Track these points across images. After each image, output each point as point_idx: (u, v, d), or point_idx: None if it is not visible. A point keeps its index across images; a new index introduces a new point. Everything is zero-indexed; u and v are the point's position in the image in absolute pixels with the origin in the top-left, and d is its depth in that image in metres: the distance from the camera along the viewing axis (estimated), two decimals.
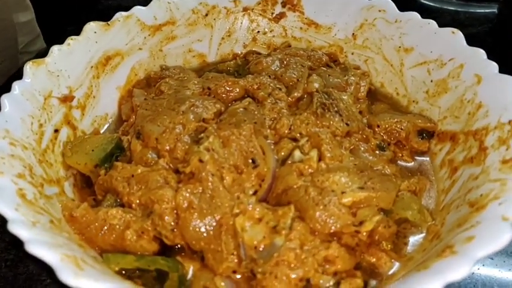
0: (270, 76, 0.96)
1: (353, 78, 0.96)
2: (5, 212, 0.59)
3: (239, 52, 1.09)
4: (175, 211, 0.73)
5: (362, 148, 0.84)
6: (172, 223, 0.73)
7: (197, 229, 0.71)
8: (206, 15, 1.05)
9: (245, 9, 1.06)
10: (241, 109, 0.87)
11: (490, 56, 1.35)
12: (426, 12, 1.55)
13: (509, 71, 1.05)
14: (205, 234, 0.71)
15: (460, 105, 0.85)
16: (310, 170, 0.77)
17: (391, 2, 0.99)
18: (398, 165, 0.87)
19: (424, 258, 0.67)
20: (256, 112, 0.87)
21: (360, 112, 0.92)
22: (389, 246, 0.74)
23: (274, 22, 1.07)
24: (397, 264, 0.72)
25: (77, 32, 0.92)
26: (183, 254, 0.74)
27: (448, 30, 0.91)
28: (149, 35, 1.01)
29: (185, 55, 1.07)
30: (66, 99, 0.87)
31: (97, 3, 1.48)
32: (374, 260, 0.72)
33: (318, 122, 0.85)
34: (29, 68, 0.82)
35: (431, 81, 0.92)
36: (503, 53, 1.26)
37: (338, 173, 0.75)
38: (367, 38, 1.01)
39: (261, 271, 0.66)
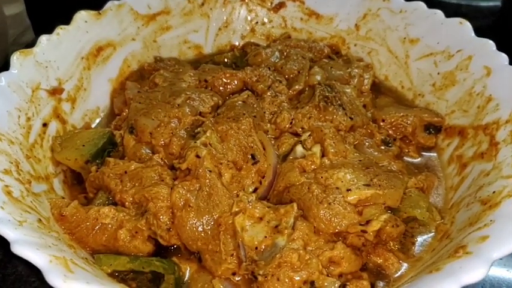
0: (269, 68, 0.92)
1: (356, 70, 0.93)
2: None
3: (237, 43, 1.05)
4: (170, 210, 0.69)
5: (367, 143, 0.81)
6: (168, 222, 0.69)
7: (194, 229, 0.67)
8: (202, 4, 1.01)
9: None
10: (239, 102, 0.83)
11: None
12: (428, 5, 1.52)
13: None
14: (202, 234, 0.67)
15: (468, 98, 0.81)
16: (313, 166, 0.74)
17: None
18: (404, 161, 0.84)
19: (434, 259, 0.63)
20: (255, 105, 0.84)
21: (364, 106, 0.88)
22: (396, 246, 0.70)
23: (273, 12, 1.03)
24: (405, 265, 0.68)
25: (68, 22, 0.88)
26: (179, 255, 0.70)
27: (456, 20, 0.87)
28: (143, 25, 0.97)
29: (180, 46, 1.02)
30: (55, 92, 0.83)
31: None
32: (381, 261, 0.68)
33: (321, 116, 0.81)
34: (16, 58, 0.77)
35: (438, 73, 0.88)
36: (506, 46, 1.22)
37: (343, 170, 0.72)
38: (371, 29, 0.97)
39: (262, 273, 0.62)
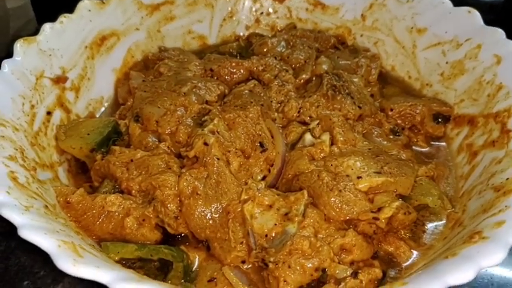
0: (275, 57, 0.91)
1: (363, 60, 0.92)
2: None
3: (241, 34, 1.04)
4: (178, 198, 0.68)
5: (375, 132, 0.80)
6: (176, 210, 0.67)
7: (202, 217, 0.66)
8: None
9: None
10: (246, 91, 0.82)
11: None
12: None
13: None
14: (211, 222, 0.66)
15: (478, 87, 0.80)
16: (322, 154, 0.73)
17: None
18: (413, 150, 0.83)
19: (447, 246, 0.62)
20: (262, 94, 0.82)
21: (372, 95, 0.88)
22: (407, 234, 0.69)
23: (278, 2, 1.02)
24: (415, 254, 0.67)
25: (71, 12, 0.87)
26: (187, 243, 0.69)
27: (464, 9, 0.86)
28: (147, 15, 0.96)
29: (184, 37, 1.01)
30: (59, 80, 0.81)
31: None
32: (392, 249, 0.67)
33: (329, 104, 0.80)
34: (19, 46, 0.76)
35: (447, 62, 0.87)
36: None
37: (353, 157, 0.71)
38: (377, 19, 0.96)
39: (273, 260, 0.61)
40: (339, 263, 0.62)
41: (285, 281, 0.60)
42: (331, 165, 0.70)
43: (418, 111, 0.84)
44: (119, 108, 0.89)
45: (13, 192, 0.56)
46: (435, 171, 0.76)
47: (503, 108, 0.74)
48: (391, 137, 0.81)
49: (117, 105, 0.90)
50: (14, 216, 0.52)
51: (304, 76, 0.87)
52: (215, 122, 0.73)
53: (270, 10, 1.03)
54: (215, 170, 0.69)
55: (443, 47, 0.88)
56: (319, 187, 0.67)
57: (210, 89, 0.82)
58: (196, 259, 0.67)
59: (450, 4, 0.89)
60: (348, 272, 0.62)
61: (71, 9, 0.89)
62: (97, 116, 0.89)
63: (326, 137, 0.74)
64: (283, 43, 0.94)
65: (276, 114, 0.81)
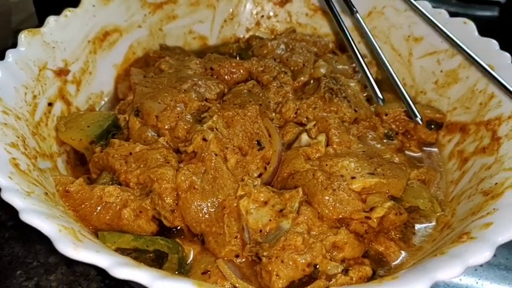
0: (275, 59, 0.92)
1: None
2: None
3: (242, 36, 1.06)
4: (175, 191, 0.69)
5: (370, 136, 0.82)
6: (172, 204, 0.69)
7: (198, 211, 0.68)
8: None
9: None
10: (245, 91, 0.83)
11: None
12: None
13: None
14: (207, 216, 0.68)
15: (471, 95, 0.83)
16: (317, 155, 0.74)
17: None
18: (406, 155, 0.85)
19: (436, 247, 0.64)
20: (261, 95, 0.84)
21: (368, 100, 0.89)
22: (397, 235, 0.71)
23: (279, 7, 1.04)
24: (404, 254, 0.69)
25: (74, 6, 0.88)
26: (182, 237, 0.70)
27: (460, 20, 0.89)
28: (149, 13, 0.97)
29: (186, 36, 1.03)
30: (62, 73, 0.83)
31: None
32: (382, 248, 0.69)
33: (326, 107, 0.82)
34: (23, 37, 0.77)
35: (441, 71, 0.90)
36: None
37: (347, 158, 0.72)
38: (375, 27, 0.99)
39: (266, 255, 0.62)
40: (330, 259, 0.64)
41: (277, 275, 0.61)
42: (326, 165, 0.72)
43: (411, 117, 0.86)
44: (118, 103, 0.90)
45: (15, 177, 0.57)
46: (426, 176, 0.78)
47: (494, 116, 0.76)
48: (385, 141, 0.83)
49: (117, 100, 0.91)
50: (16, 200, 0.53)
51: (302, 79, 0.89)
52: (214, 119, 0.75)
53: (271, 14, 1.05)
54: (213, 165, 0.70)
55: (438, 56, 0.90)
56: (314, 186, 0.69)
57: (209, 87, 0.84)
58: (191, 252, 0.68)
59: (446, 14, 0.91)
60: (339, 269, 0.63)
61: (72, 5, 0.91)
62: (97, 109, 0.91)
63: (322, 138, 0.76)
64: (282, 46, 0.96)
65: (273, 114, 0.82)
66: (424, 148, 0.87)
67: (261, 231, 0.65)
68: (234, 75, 0.89)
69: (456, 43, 0.87)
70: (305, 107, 0.82)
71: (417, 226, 0.74)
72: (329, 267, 0.63)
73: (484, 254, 0.52)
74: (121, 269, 0.49)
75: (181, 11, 1.01)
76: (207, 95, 0.82)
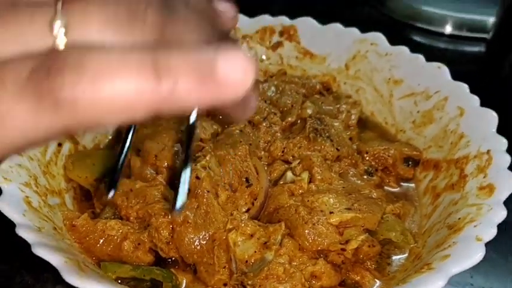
0: (265, 101, 1.00)
1: (344, 106, 1.02)
2: (13, 217, 0.62)
3: None
4: (171, 225, 0.76)
5: (351, 172, 0.89)
6: (168, 236, 0.76)
7: (191, 243, 0.75)
8: None
9: (244, 37, 1.11)
10: (237, 131, 0.91)
11: (476, 92, 1.43)
12: (417, 48, 1.63)
13: (494, 106, 1.13)
14: (199, 248, 0.75)
15: (443, 135, 0.90)
16: (300, 191, 0.81)
17: (382, 36, 1.05)
18: (384, 190, 0.91)
19: (405, 276, 0.71)
20: (251, 134, 0.92)
21: (350, 139, 0.97)
22: (373, 265, 0.77)
23: (271, 50, 1.12)
24: (378, 283, 0.76)
25: None
26: (176, 266, 0.77)
27: (435, 65, 0.97)
28: None
29: None
30: None
31: None
32: (358, 278, 0.75)
33: (310, 146, 0.90)
34: None
35: (418, 112, 0.97)
36: (488, 89, 1.33)
37: (327, 195, 0.80)
38: (359, 69, 1.06)
39: (251, 283, 0.69)
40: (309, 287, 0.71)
41: None
42: (308, 200, 0.79)
43: (390, 154, 0.93)
44: (120, 141, 0.98)
45: (28, 214, 0.65)
46: (401, 210, 0.84)
47: (463, 155, 0.83)
48: (365, 177, 0.90)
49: (120, 139, 1.00)
50: (29, 236, 0.60)
51: (290, 119, 0.97)
52: (207, 158, 0.83)
53: (264, 57, 1.13)
54: (205, 201, 0.78)
55: (415, 98, 0.98)
56: (296, 220, 0.76)
57: (205, 128, 0.92)
58: (184, 281, 0.75)
59: (423, 59, 0.99)
60: None
61: None
62: (101, 147, 0.99)
63: (305, 175, 0.83)
64: (273, 88, 1.04)
65: (262, 152, 0.90)
66: (402, 183, 0.93)
67: (246, 261, 0.72)
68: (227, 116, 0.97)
69: (431, 86, 0.96)
70: (291, 146, 0.89)
71: (393, 257, 0.80)
72: None
73: (437, 283, 0.59)
74: None
75: None
76: (202, 135, 0.90)
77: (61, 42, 0.35)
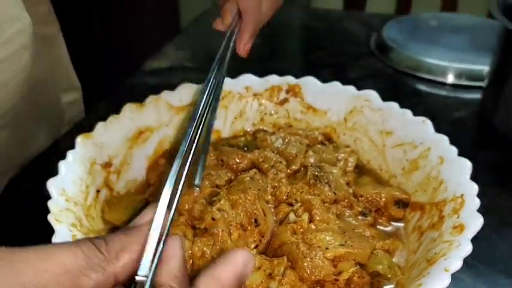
0: (273, 151, 1.15)
1: (343, 155, 1.16)
2: None
3: (249, 130, 1.29)
4: (191, 259, 0.90)
5: (347, 213, 1.03)
6: (188, 268, 0.90)
7: None
8: (222, 98, 1.26)
9: (255, 95, 1.27)
10: (248, 178, 1.06)
11: (474, 138, 1.58)
12: (418, 96, 1.80)
13: (490, 150, 1.28)
14: None
15: (427, 181, 1.03)
16: (301, 230, 0.95)
17: (376, 93, 1.20)
18: (377, 229, 1.04)
19: None
20: (260, 181, 1.07)
21: (348, 183, 1.11)
22: None
23: (279, 106, 1.28)
24: None
25: (111, 105, 1.14)
26: None
27: (420, 119, 1.11)
28: (175, 114, 1.22)
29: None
30: (106, 166, 1.07)
31: (127, 80, 1.73)
32: None
33: (311, 190, 1.04)
34: (80, 140, 1.02)
35: (407, 160, 1.11)
36: (484, 135, 1.48)
37: (324, 233, 0.93)
38: (356, 122, 1.21)
39: None
40: None
41: None
42: (307, 238, 0.93)
43: (382, 197, 1.06)
44: (148, 187, 1.13)
45: None
46: (391, 246, 0.97)
47: (442, 199, 0.96)
48: (360, 217, 1.03)
49: (148, 185, 1.15)
50: None
51: (294, 167, 1.12)
52: (222, 202, 0.97)
53: (272, 112, 1.29)
54: (220, 239, 0.92)
55: (404, 147, 1.12)
56: (297, 255, 0.90)
57: (220, 176, 1.07)
58: None
59: (410, 114, 1.13)
60: None
61: (110, 96, 1.14)
62: (132, 192, 1.14)
63: (305, 216, 0.97)
64: (280, 140, 1.19)
65: (269, 196, 1.04)
66: (393, 223, 1.06)
67: None
68: (240, 165, 1.12)
69: (416, 137, 1.10)
70: (294, 191, 1.04)
71: (384, 287, 0.92)
72: None
73: None
74: None
75: None
76: (217, 182, 1.05)
77: None
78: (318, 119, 1.27)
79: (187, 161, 0.77)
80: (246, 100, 1.29)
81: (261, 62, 1.91)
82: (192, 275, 0.90)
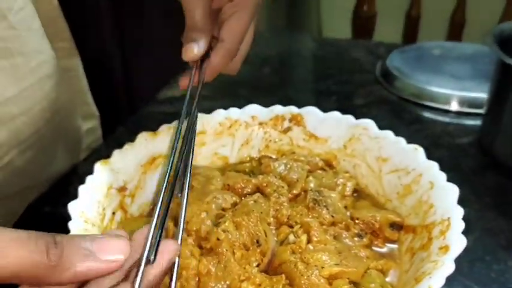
0: (276, 177, 1.24)
1: (341, 180, 1.24)
2: None
3: (254, 156, 1.38)
4: (197, 276, 0.98)
5: (344, 235, 1.10)
6: (195, 285, 0.98)
7: None
8: (230, 127, 1.35)
9: (260, 124, 1.36)
10: (251, 202, 1.14)
11: (474, 163, 1.64)
12: (421, 123, 1.88)
13: (489, 175, 1.35)
14: None
15: (419, 205, 1.10)
16: (300, 250, 1.02)
17: (372, 122, 1.28)
18: (372, 250, 1.11)
19: None
20: (263, 204, 1.14)
21: (345, 207, 1.18)
22: None
23: (283, 134, 1.36)
24: None
25: (127, 132, 1.23)
26: None
27: (413, 146, 1.18)
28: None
29: (212, 157, 1.35)
30: (122, 190, 1.16)
31: (142, 109, 1.83)
32: None
33: (310, 213, 1.11)
34: (97, 166, 1.12)
35: (401, 185, 1.18)
36: (484, 161, 1.55)
37: (321, 253, 1.00)
38: (355, 149, 1.28)
39: None
40: None
41: None
42: (305, 257, 1.00)
43: (377, 220, 1.13)
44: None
45: None
46: (384, 266, 1.04)
47: (431, 222, 1.03)
48: (356, 239, 1.10)
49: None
50: None
51: (295, 192, 1.19)
52: (226, 224, 1.05)
53: (277, 139, 1.37)
54: (224, 258, 1.00)
55: (398, 173, 1.19)
56: (294, 273, 0.97)
57: (225, 199, 1.16)
58: None
59: (404, 142, 1.21)
60: None
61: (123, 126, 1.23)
62: (145, 215, 1.23)
63: (304, 238, 1.05)
64: (282, 166, 1.27)
65: (271, 219, 1.12)
66: (388, 244, 1.13)
67: None
68: (245, 189, 1.21)
69: (409, 164, 1.17)
70: (294, 214, 1.11)
71: None
72: None
73: None
74: None
75: (209, 139, 1.34)
76: (223, 205, 1.14)
77: None
78: (319, 146, 1.35)
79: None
80: (252, 128, 1.37)
81: (271, 90, 2.01)
82: None
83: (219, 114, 1.35)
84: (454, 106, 1.85)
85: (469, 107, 1.83)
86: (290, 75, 2.21)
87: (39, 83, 1.15)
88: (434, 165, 1.13)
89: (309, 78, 2.24)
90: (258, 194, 1.18)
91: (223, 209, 1.13)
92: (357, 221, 1.15)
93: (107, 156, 1.18)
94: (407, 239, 1.10)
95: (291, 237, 1.06)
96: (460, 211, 0.99)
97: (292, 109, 1.37)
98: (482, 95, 1.75)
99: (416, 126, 1.78)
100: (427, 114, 1.86)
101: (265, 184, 1.21)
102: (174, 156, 0.96)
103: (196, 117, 1.16)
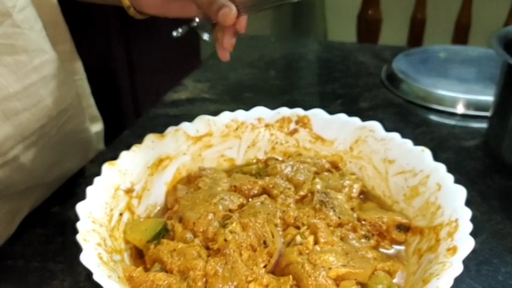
0: (282, 178, 1.24)
1: (348, 181, 1.24)
2: (91, 267, 0.86)
3: (261, 158, 1.38)
4: (205, 277, 0.98)
5: (351, 236, 1.10)
6: (202, 286, 0.98)
7: None
8: (236, 129, 1.35)
9: (267, 126, 1.36)
10: (258, 203, 1.14)
11: (481, 166, 1.64)
12: (427, 125, 1.87)
13: (496, 178, 1.38)
14: None
15: (426, 206, 1.10)
16: (307, 251, 1.02)
17: (379, 124, 1.28)
18: (379, 251, 1.11)
19: None
20: (270, 206, 1.14)
21: (352, 208, 1.18)
22: None
23: (289, 136, 1.37)
24: None
25: (134, 134, 1.23)
26: None
27: (420, 148, 1.18)
28: (192, 144, 1.31)
29: (218, 159, 1.36)
30: (129, 191, 1.17)
31: (149, 111, 1.84)
32: None
33: (316, 215, 1.11)
34: (105, 167, 1.12)
35: (408, 186, 1.18)
36: (491, 163, 1.54)
37: (328, 254, 1.00)
38: (361, 151, 1.29)
39: None
40: None
41: None
42: (312, 258, 1.00)
43: (384, 222, 1.13)
44: (167, 211, 1.22)
45: (100, 266, 0.89)
46: (391, 267, 1.04)
47: (439, 223, 1.03)
48: (363, 240, 1.10)
49: (166, 209, 1.24)
50: (103, 282, 0.84)
51: (301, 193, 1.19)
52: (233, 225, 1.06)
53: (283, 141, 1.37)
54: (231, 259, 1.00)
55: (405, 175, 1.19)
56: (302, 274, 0.97)
57: (232, 201, 1.16)
58: None
59: (411, 144, 1.21)
60: None
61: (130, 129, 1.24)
62: (152, 216, 1.23)
63: (311, 239, 1.05)
64: (289, 168, 1.27)
65: (278, 220, 1.12)
66: (395, 246, 1.13)
67: None
68: (252, 191, 1.21)
69: (416, 166, 1.17)
70: (301, 215, 1.11)
71: None
72: None
73: None
74: None
75: (216, 141, 1.34)
76: (230, 206, 1.14)
77: None
78: (325, 148, 1.36)
79: None
80: (259, 130, 1.38)
81: (277, 93, 2.02)
82: None
83: (226, 116, 1.36)
84: (460, 109, 1.84)
85: (475, 110, 1.83)
86: (296, 78, 2.21)
87: (42, 81, 1.16)
88: (441, 167, 1.13)
89: (314, 82, 2.24)
90: (264, 196, 1.18)
91: (230, 211, 1.13)
92: (363, 223, 1.15)
93: (114, 158, 1.18)
94: (415, 240, 1.10)
95: (298, 239, 1.06)
96: (468, 212, 0.99)
97: (299, 111, 1.37)
98: (488, 97, 1.74)
99: (423, 129, 1.78)
100: (433, 117, 1.85)
101: (271, 186, 1.21)
102: None
103: None
